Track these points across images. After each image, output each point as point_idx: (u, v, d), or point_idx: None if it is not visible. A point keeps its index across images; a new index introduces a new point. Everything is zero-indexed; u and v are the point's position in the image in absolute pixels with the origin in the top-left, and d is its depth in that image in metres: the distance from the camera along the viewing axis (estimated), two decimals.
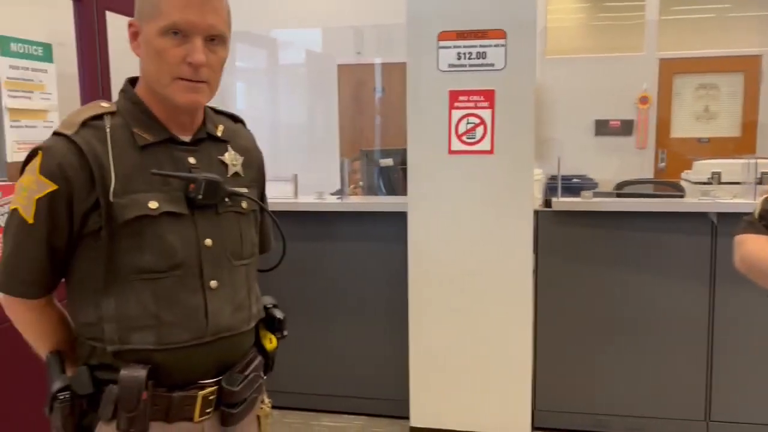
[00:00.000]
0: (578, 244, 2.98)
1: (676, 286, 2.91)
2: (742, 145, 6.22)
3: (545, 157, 6.01)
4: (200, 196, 1.17)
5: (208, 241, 1.19)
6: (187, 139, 1.22)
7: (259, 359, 1.30)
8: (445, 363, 2.92)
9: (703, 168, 4.04)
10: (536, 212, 2.93)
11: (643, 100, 6.41)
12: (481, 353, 2.88)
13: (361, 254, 3.20)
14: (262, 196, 1.39)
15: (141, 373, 1.12)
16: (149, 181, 1.15)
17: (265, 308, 1.36)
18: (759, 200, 1.58)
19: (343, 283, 3.24)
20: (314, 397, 3.32)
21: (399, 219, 2.97)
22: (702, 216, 2.86)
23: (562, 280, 3.00)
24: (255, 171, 1.35)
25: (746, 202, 2.79)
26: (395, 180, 3.62)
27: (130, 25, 1.19)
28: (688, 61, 6.51)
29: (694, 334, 2.91)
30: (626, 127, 6.49)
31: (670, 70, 6.46)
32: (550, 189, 4.53)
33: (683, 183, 4.52)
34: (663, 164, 6.55)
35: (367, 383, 3.27)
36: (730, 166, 3.83)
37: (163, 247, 1.14)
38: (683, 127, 6.63)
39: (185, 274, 1.16)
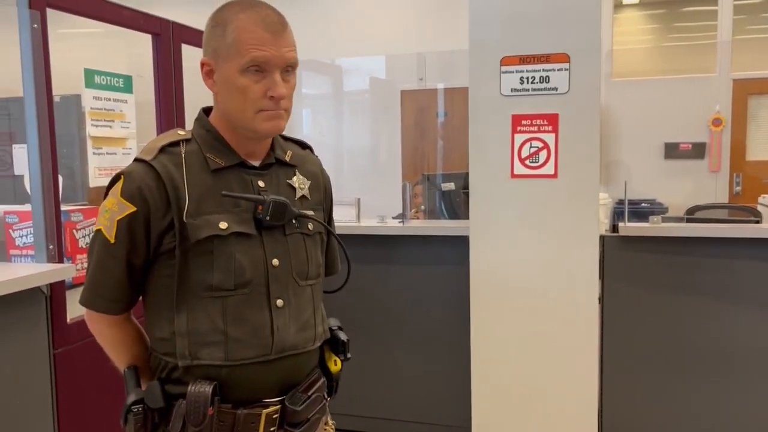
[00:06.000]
0: (646, 270, 2.89)
1: (752, 314, 2.78)
2: None
3: (613, 181, 5.88)
4: (268, 217, 1.22)
5: (275, 261, 1.23)
6: (256, 164, 1.28)
7: (322, 380, 1.33)
8: (508, 390, 2.87)
9: None
10: (602, 237, 2.87)
11: (716, 122, 6.19)
12: (545, 381, 2.81)
13: (423, 278, 3.21)
14: (329, 219, 1.44)
15: (207, 388, 1.16)
16: (220, 203, 1.21)
17: (330, 330, 1.39)
18: None
19: (405, 306, 3.24)
20: (375, 420, 3.32)
21: (461, 243, 2.97)
22: None
23: (629, 306, 2.91)
24: (321, 194, 1.39)
25: None
26: (457, 204, 3.62)
27: (204, 64, 1.24)
28: (764, 82, 6.27)
29: None
30: (698, 150, 6.27)
31: (745, 90, 6.23)
32: (618, 214, 4.43)
33: (760, 208, 4.34)
34: (739, 188, 6.29)
35: (428, 409, 3.24)
36: None
37: (232, 266, 1.19)
38: (760, 150, 6.35)
39: (253, 292, 1.21)
